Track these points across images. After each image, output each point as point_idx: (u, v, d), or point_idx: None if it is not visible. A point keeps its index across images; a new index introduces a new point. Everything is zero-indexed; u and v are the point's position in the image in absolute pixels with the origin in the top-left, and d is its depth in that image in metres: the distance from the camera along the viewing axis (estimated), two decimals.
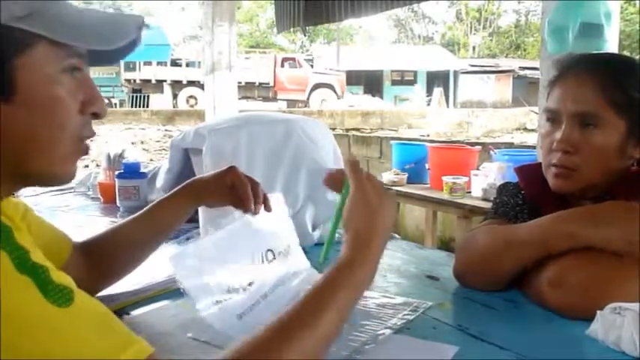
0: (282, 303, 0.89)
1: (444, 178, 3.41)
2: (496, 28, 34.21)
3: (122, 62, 17.53)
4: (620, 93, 0.97)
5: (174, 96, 19.07)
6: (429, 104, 18.44)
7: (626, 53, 9.99)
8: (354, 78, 23.60)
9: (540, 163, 1.06)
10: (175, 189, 1.01)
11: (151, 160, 8.17)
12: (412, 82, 23.74)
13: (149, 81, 19.42)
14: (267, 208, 0.97)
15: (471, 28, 34.14)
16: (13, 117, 0.57)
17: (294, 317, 0.62)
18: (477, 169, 3.43)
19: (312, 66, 21.75)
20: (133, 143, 10.20)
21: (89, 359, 0.50)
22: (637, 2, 16.56)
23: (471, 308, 0.98)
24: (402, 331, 0.87)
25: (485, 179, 3.24)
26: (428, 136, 9.91)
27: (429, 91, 20.78)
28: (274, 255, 0.93)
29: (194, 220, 1.26)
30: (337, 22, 4.18)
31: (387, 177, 3.90)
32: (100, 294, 0.95)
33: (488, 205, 1.75)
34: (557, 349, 0.82)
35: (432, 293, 1.05)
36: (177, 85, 19.17)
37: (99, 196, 1.95)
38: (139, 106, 17.92)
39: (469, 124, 12.83)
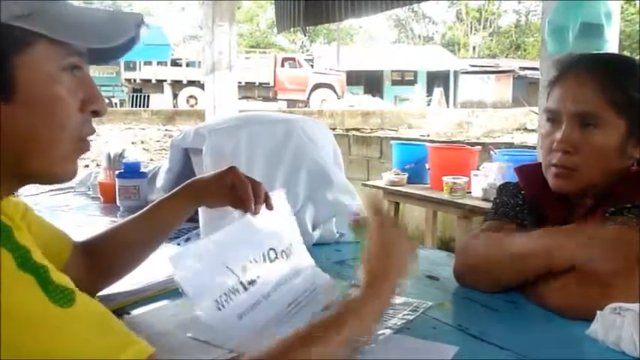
0: (284, 302, 0.90)
1: (444, 178, 3.41)
2: (496, 28, 34.18)
3: (122, 62, 17.55)
4: (620, 93, 0.97)
5: (175, 96, 19.04)
6: (429, 104, 18.40)
7: (626, 53, 9.99)
8: (354, 78, 23.58)
9: (540, 163, 1.06)
10: (175, 189, 1.01)
11: (151, 159, 8.16)
12: (412, 82, 23.69)
13: (149, 81, 19.38)
14: (269, 207, 0.97)
15: (471, 28, 34.10)
16: (13, 116, 0.57)
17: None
18: (477, 169, 3.43)
19: (312, 66, 21.71)
20: (133, 143, 10.19)
21: (89, 359, 0.50)
22: (637, 2, 16.55)
23: (471, 308, 0.98)
24: (402, 331, 0.87)
25: (486, 179, 3.24)
26: (428, 136, 9.89)
27: (429, 91, 20.74)
28: (276, 254, 0.93)
29: (194, 220, 1.26)
30: (337, 22, 4.17)
31: (387, 177, 3.90)
32: (99, 294, 0.95)
33: (488, 205, 1.75)
34: (557, 349, 0.82)
35: (432, 293, 1.05)
36: (177, 84, 19.14)
37: (99, 195, 1.94)
38: (139, 106, 17.88)
39: (469, 124, 12.81)
